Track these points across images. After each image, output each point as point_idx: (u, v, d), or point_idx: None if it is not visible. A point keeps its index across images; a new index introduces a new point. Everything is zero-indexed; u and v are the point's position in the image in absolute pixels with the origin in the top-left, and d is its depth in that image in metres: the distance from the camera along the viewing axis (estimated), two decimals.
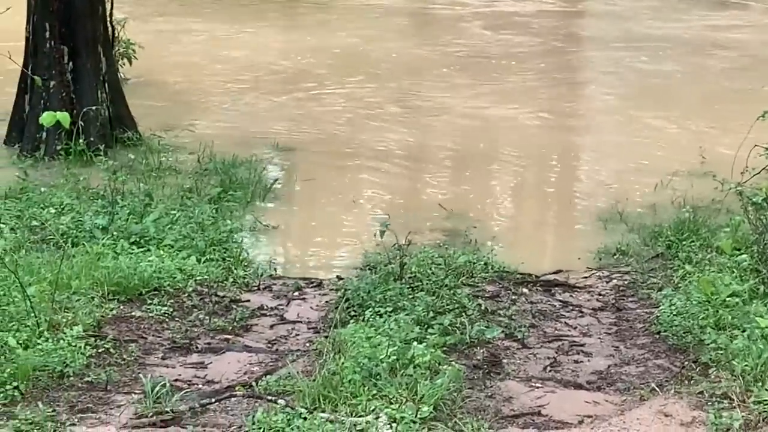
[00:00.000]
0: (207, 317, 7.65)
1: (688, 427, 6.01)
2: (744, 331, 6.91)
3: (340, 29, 18.83)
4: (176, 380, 6.54)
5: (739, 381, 6.28)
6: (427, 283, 8.03)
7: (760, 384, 6.18)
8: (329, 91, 14.80)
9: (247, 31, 18.68)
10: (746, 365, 6.38)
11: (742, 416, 5.94)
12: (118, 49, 13.89)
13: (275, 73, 15.66)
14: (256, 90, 14.78)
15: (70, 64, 11.66)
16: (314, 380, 6.19)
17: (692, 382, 6.51)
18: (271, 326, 7.68)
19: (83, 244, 8.55)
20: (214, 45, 17.39)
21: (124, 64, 14.18)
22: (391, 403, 6.01)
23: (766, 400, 6.03)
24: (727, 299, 7.48)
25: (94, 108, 11.47)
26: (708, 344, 6.93)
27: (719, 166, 10.04)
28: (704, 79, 16.22)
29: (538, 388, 6.63)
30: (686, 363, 6.91)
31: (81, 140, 10.91)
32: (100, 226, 8.89)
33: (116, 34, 13.68)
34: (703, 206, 9.89)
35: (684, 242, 9.05)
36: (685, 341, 7.20)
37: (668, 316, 7.55)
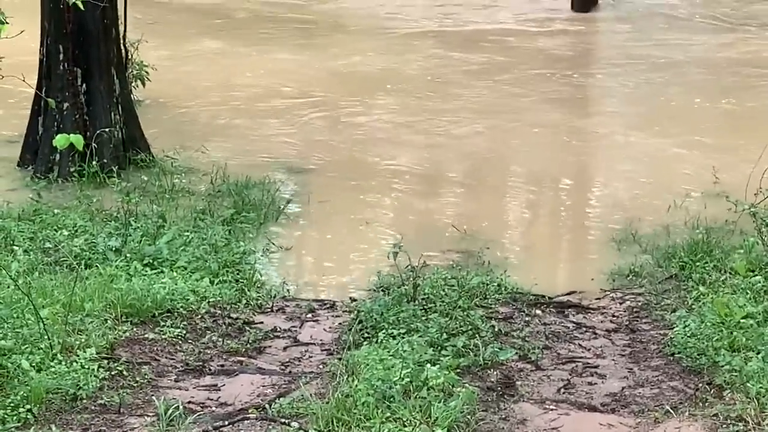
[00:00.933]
0: (220, 339, 7.65)
1: None
2: (759, 353, 6.90)
3: (352, 52, 18.82)
4: (189, 403, 6.55)
5: (753, 403, 6.26)
6: (440, 305, 8.02)
7: None
8: (340, 112, 14.78)
9: (260, 53, 18.70)
10: (761, 387, 6.37)
11: None
12: (132, 71, 13.91)
13: (287, 95, 15.65)
14: (269, 112, 14.77)
15: (84, 86, 11.69)
16: (328, 403, 6.18)
17: (707, 404, 6.49)
18: (285, 348, 7.68)
19: (96, 266, 8.57)
20: (227, 67, 17.39)
21: (137, 86, 14.18)
22: (405, 426, 6.00)
23: None
24: (742, 321, 7.46)
25: (107, 130, 11.49)
26: (722, 366, 6.91)
27: (732, 187, 10.00)
28: (705, 98, 16.11)
29: (552, 410, 6.61)
30: (701, 385, 6.89)
31: (94, 162, 10.93)
32: (114, 248, 8.91)
33: (129, 56, 13.72)
34: (716, 227, 9.84)
35: (698, 263, 9.02)
36: (700, 363, 7.18)
37: (682, 337, 7.54)
